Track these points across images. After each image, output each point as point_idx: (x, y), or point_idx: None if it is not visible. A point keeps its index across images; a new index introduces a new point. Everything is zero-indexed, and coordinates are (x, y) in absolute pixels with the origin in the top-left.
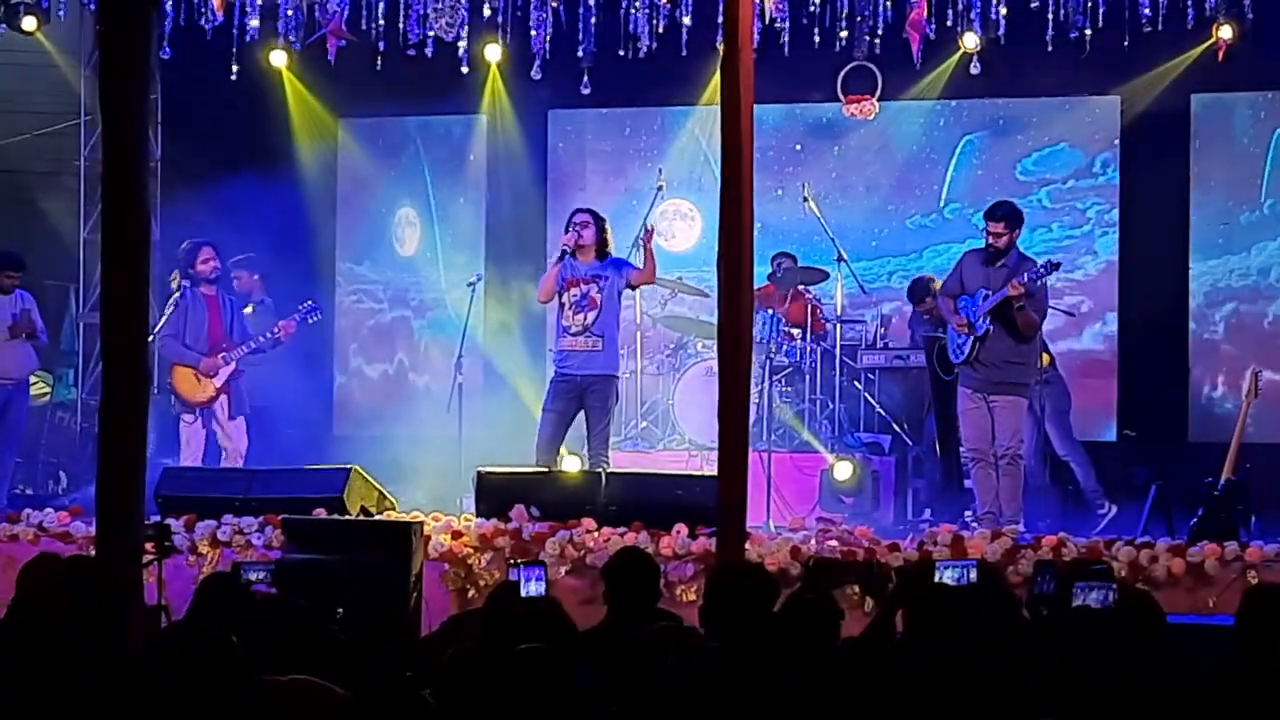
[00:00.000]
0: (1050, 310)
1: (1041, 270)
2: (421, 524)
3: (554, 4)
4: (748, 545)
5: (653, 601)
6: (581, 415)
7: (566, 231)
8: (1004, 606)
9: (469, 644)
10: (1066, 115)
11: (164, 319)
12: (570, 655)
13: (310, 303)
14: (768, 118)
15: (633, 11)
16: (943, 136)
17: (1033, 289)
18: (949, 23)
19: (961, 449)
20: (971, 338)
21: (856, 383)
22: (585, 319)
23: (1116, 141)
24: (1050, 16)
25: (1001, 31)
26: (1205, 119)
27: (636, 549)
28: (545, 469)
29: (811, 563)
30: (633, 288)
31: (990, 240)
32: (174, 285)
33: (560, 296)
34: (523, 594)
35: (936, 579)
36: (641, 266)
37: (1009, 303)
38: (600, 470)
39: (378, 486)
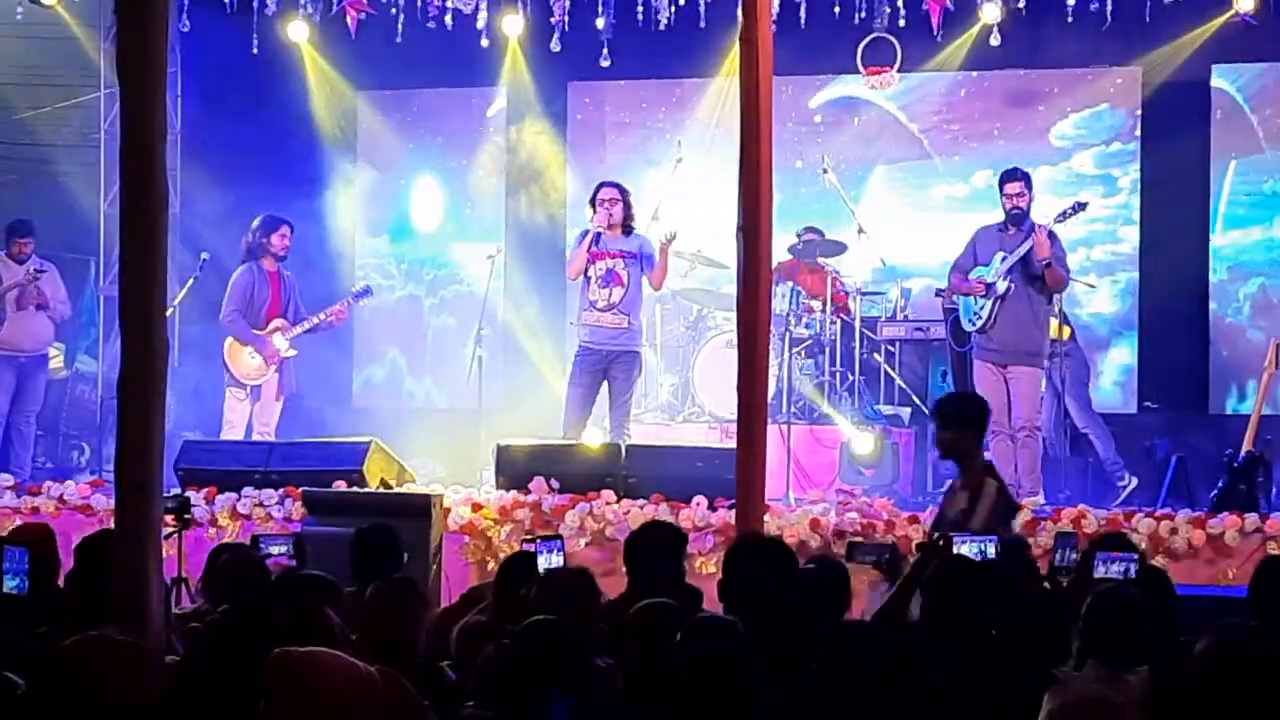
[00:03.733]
0: (1069, 281)
1: (1069, 211)
2: (441, 496)
3: None
4: (767, 518)
5: (678, 576)
6: (605, 388)
7: (593, 206)
8: (1026, 578)
9: (480, 617)
10: (1087, 87)
11: (229, 293)
12: (586, 626)
13: (364, 284)
14: (787, 90)
15: None
16: (962, 109)
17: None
18: None
19: None
20: (991, 299)
21: (876, 355)
22: (610, 295)
23: (1138, 113)
24: None
25: (1022, 3)
26: (1226, 90)
27: (662, 521)
28: (566, 442)
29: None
30: None
31: (1012, 203)
32: (245, 255)
33: (585, 270)
34: (540, 568)
35: (955, 552)
36: (655, 265)
37: (1026, 264)
38: (620, 443)
39: (397, 459)
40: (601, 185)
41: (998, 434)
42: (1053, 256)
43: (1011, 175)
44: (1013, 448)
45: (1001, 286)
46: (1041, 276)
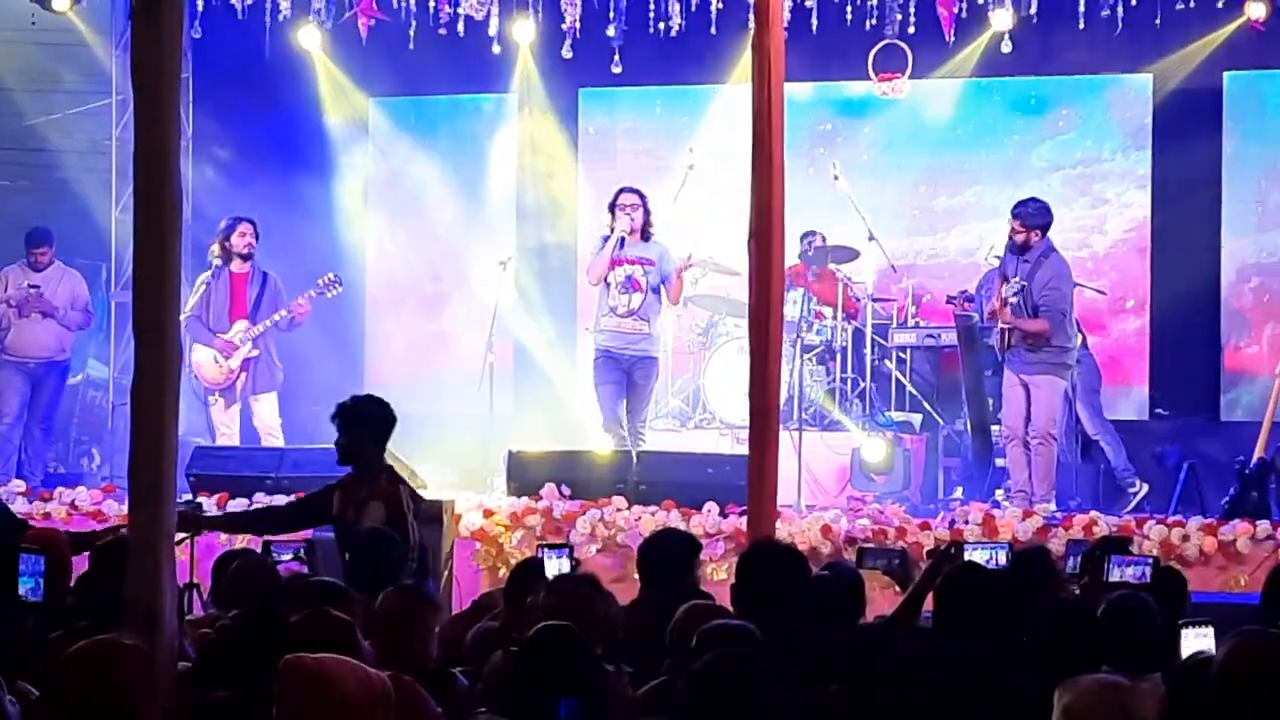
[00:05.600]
0: (1080, 288)
1: (1018, 288)
2: (453, 503)
3: None
4: (778, 524)
5: (692, 583)
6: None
7: (613, 211)
8: (1048, 585)
9: (492, 623)
10: (1098, 94)
11: (194, 297)
12: (596, 632)
13: (331, 276)
14: (799, 96)
15: None
16: (974, 115)
17: (1019, 305)
18: (980, 0)
19: (996, 427)
20: (998, 326)
21: (888, 361)
22: (630, 301)
23: (1148, 120)
24: None
25: (1033, 9)
26: (1237, 97)
27: (675, 529)
28: (578, 448)
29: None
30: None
31: (1010, 235)
32: (212, 259)
33: (605, 275)
34: (548, 575)
35: (966, 558)
36: (672, 282)
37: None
38: (631, 449)
39: (409, 465)
40: (622, 190)
41: (1013, 439)
42: (1036, 304)
43: (1015, 210)
44: (1027, 454)
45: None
46: (1025, 337)
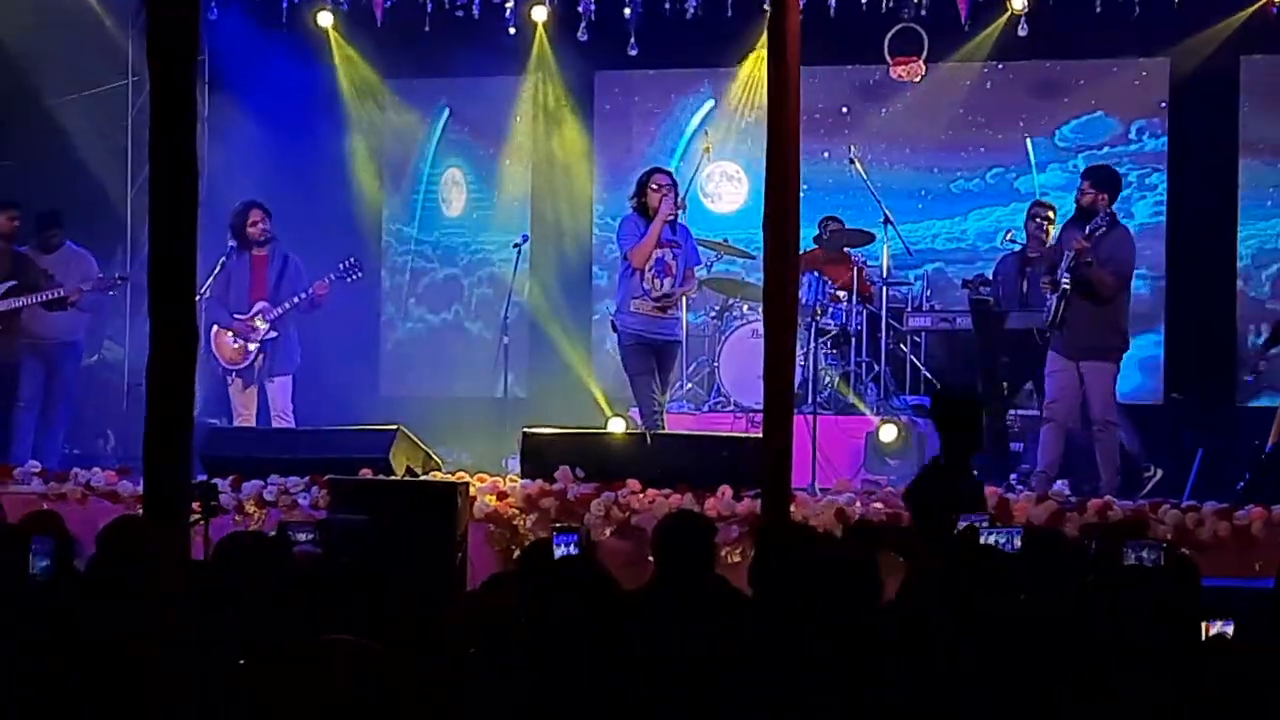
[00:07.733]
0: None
1: (1099, 223)
2: (467, 485)
3: None
4: (793, 507)
5: (706, 566)
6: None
7: (643, 192)
8: (1066, 570)
9: (505, 604)
10: (1115, 77)
11: (210, 279)
12: (609, 614)
13: (352, 260)
14: (815, 80)
15: None
16: (990, 99)
17: (1097, 242)
18: None
19: (1040, 405)
20: (1056, 296)
21: (902, 345)
22: (663, 285)
23: (1164, 104)
24: None
25: None
26: (1255, 81)
27: (691, 511)
28: (592, 430)
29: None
30: None
31: (1078, 196)
32: (228, 241)
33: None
34: (555, 557)
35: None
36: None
37: (1078, 266)
38: (645, 431)
39: (423, 447)
40: (655, 171)
41: (1052, 421)
42: (1103, 257)
43: (1084, 172)
44: (1062, 436)
45: (1067, 282)
46: (1089, 280)
